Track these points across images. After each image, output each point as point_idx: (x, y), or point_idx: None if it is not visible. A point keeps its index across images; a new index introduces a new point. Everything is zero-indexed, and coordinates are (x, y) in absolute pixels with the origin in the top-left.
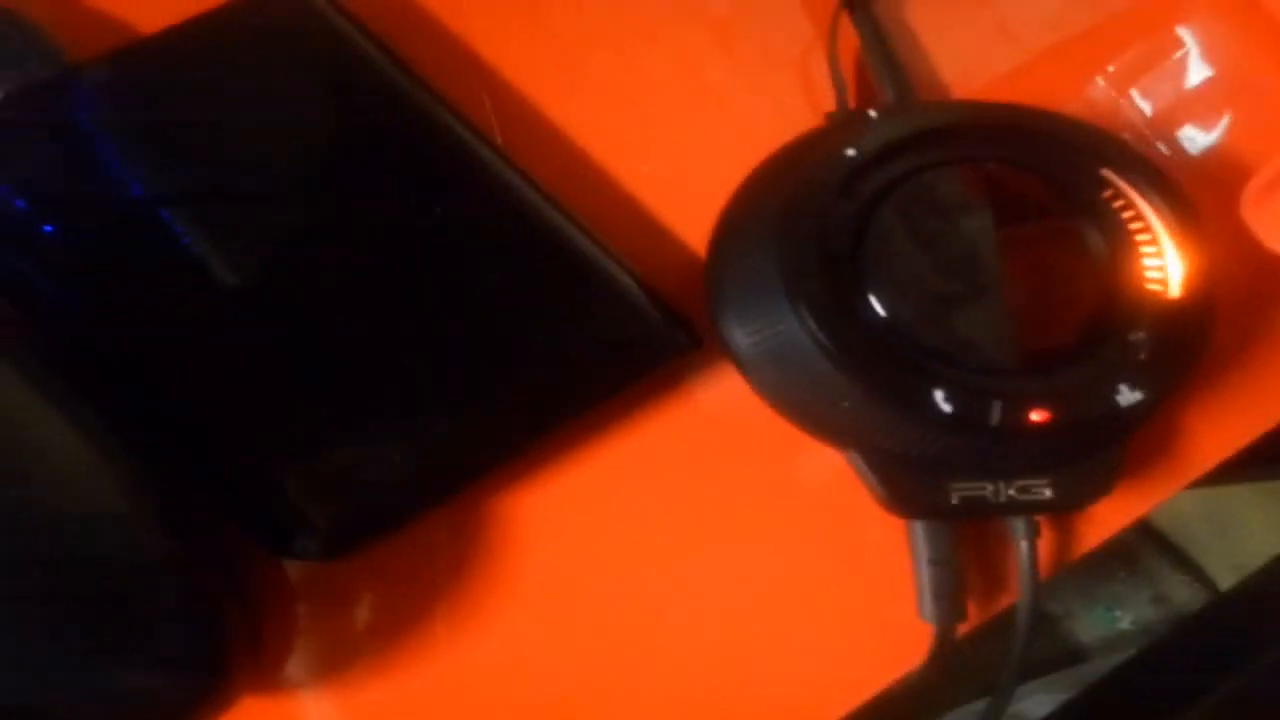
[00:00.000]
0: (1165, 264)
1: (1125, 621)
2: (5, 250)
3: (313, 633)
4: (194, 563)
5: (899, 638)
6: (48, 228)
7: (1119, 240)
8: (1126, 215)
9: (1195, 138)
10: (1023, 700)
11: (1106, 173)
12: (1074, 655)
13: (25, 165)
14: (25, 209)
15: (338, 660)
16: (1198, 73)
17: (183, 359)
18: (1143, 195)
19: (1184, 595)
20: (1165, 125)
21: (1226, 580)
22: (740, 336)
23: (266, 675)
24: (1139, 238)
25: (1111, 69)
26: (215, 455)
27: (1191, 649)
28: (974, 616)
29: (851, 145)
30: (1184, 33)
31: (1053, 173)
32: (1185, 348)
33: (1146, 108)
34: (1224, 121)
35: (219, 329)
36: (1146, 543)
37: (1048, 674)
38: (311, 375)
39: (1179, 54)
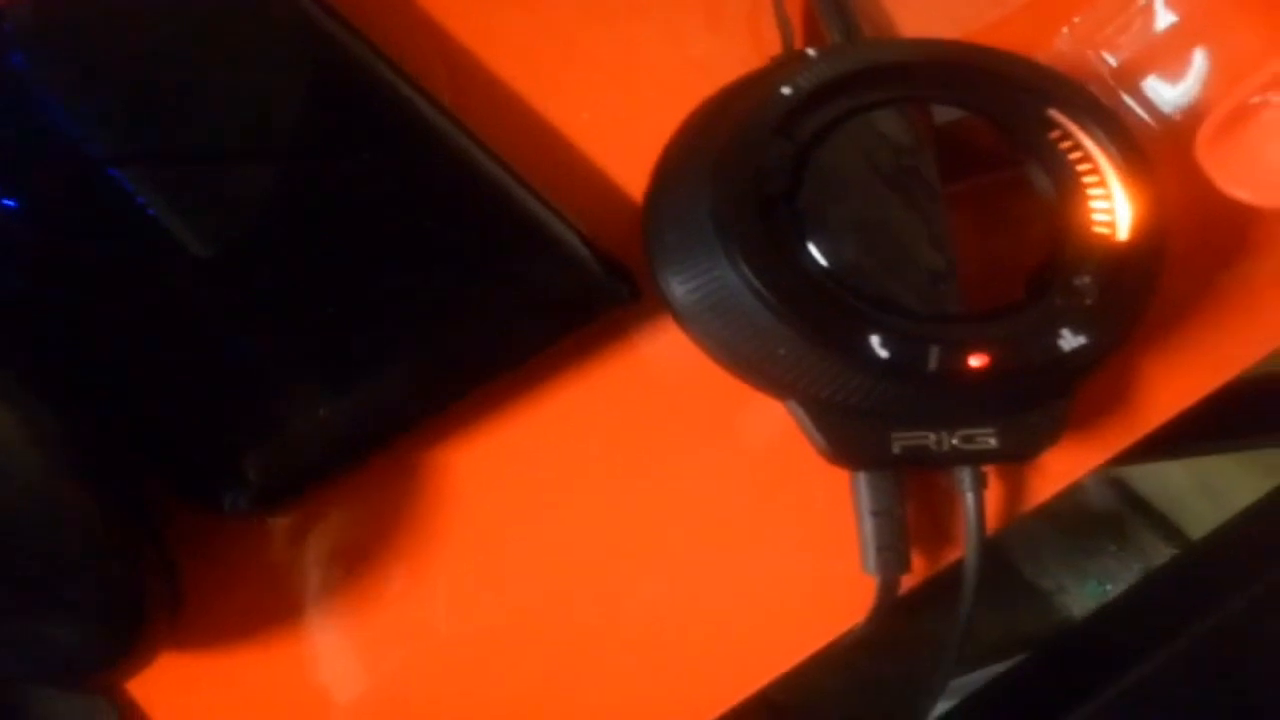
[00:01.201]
0: (1113, 207)
1: (1117, 593)
2: None
3: (242, 588)
4: (109, 516)
5: (843, 591)
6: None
7: (1065, 182)
8: (1073, 156)
9: (1161, 88)
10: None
11: (1053, 112)
12: (1067, 630)
13: None
14: None
15: (265, 617)
16: (1163, 21)
17: (111, 315)
18: (1090, 136)
19: None
20: (1131, 76)
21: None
22: (676, 285)
23: (190, 632)
24: (1086, 179)
25: (1077, 20)
26: (144, 411)
27: (1160, 598)
28: (920, 569)
29: (788, 83)
30: None
31: (997, 112)
32: (1133, 293)
33: (1112, 59)
34: (1189, 70)
35: (147, 285)
36: (1136, 515)
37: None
38: (242, 328)
39: (1143, 3)
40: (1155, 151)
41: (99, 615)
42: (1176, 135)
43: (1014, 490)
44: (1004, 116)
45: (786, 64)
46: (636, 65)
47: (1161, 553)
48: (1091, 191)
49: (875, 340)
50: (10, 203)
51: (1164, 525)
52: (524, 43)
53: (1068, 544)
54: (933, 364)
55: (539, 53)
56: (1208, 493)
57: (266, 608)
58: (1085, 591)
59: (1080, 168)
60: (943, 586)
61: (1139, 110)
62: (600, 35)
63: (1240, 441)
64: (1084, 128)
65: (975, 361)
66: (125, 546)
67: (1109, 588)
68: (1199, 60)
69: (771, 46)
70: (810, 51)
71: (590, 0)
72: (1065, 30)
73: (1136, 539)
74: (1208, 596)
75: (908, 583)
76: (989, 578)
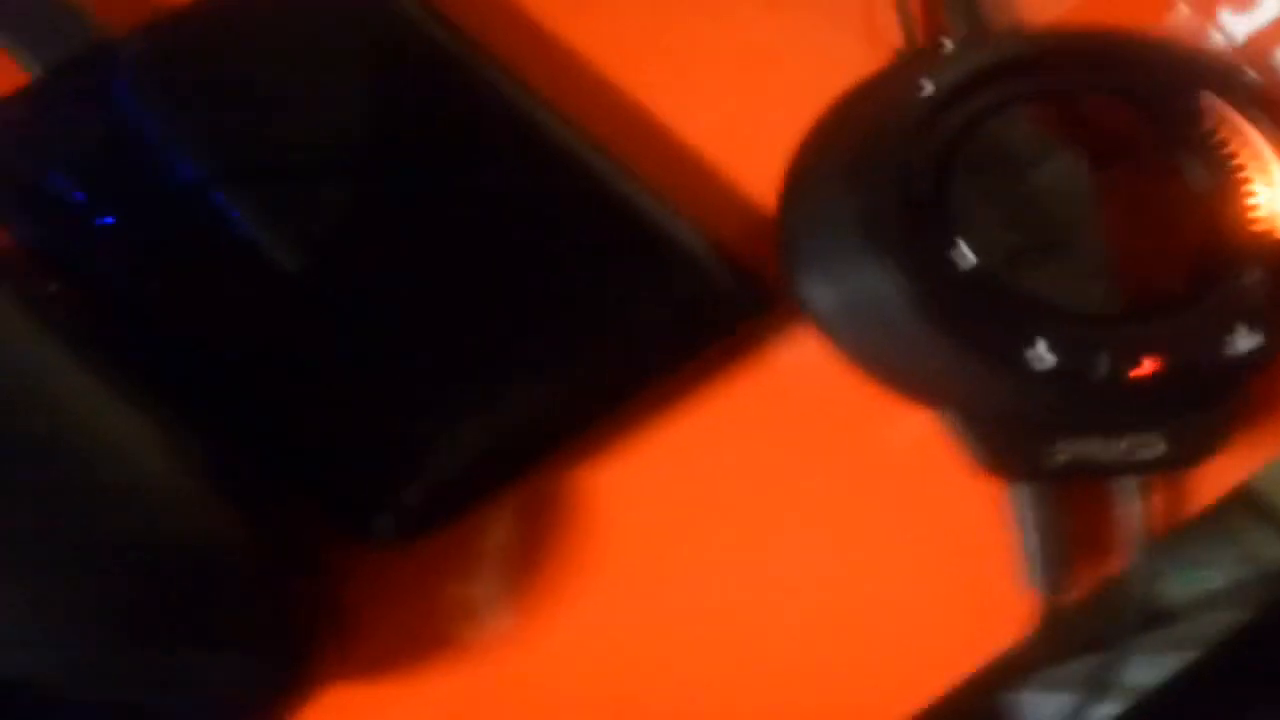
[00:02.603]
0: (1274, 200)
1: (1215, 580)
2: (69, 242)
3: (393, 616)
4: (270, 547)
5: (1001, 607)
6: (108, 219)
7: (1222, 173)
8: (1231, 145)
9: None
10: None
11: (1206, 98)
12: (1165, 616)
13: (74, 151)
14: (83, 200)
15: (418, 645)
16: None
17: (250, 341)
18: (1249, 121)
19: (1273, 551)
20: (1260, 50)
21: None
22: (819, 292)
23: (346, 662)
24: (1247, 169)
25: None
26: (290, 441)
27: None
28: (1083, 582)
29: (927, 80)
30: None
31: (1148, 102)
32: None
33: (1237, 32)
34: None
35: (284, 309)
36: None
37: (1139, 636)
38: (380, 352)
39: None
40: None
41: (262, 650)
42: None
43: (1177, 494)
44: (1155, 105)
45: (920, 59)
46: (756, 64)
47: (1256, 536)
48: (1252, 182)
49: (1040, 346)
50: (108, 219)
51: (1257, 506)
52: (641, 44)
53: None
54: (1102, 370)
55: (656, 54)
56: None
57: (418, 636)
58: (1182, 577)
59: (1240, 156)
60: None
61: (1271, 86)
62: (718, 34)
63: None
64: (1241, 112)
65: (1147, 366)
66: (285, 577)
67: (1206, 572)
68: None
69: (892, 42)
70: (947, 44)
71: (711, 5)
72: (1181, 4)
73: (1229, 522)
74: None
75: (1072, 596)
76: None
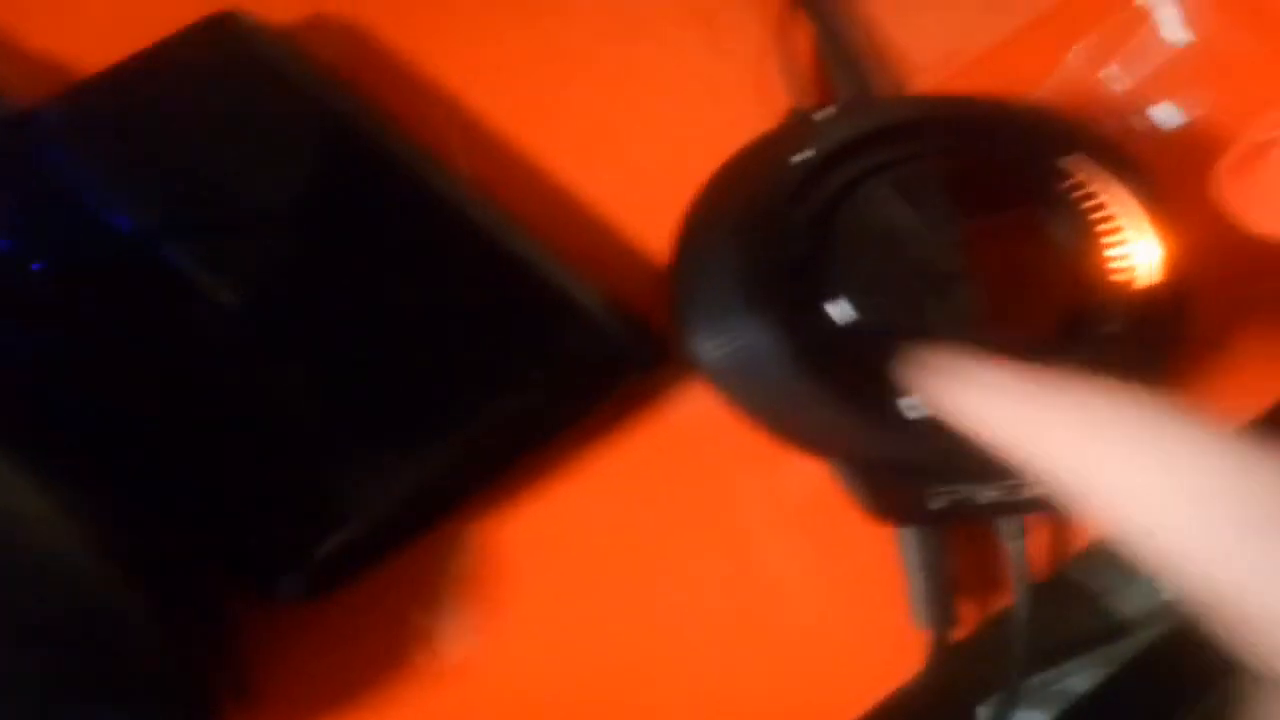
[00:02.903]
0: (1134, 253)
1: (1167, 594)
2: None
3: (300, 672)
4: (169, 612)
5: (894, 646)
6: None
7: (1084, 231)
8: (1090, 204)
9: (1171, 112)
10: (1069, 677)
11: (1066, 161)
12: (1117, 630)
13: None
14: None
15: (326, 699)
16: (1172, 44)
17: (158, 401)
18: (1106, 183)
19: None
20: (1140, 100)
21: None
22: (706, 349)
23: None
24: (1105, 227)
25: (1083, 44)
26: (193, 502)
27: None
28: (969, 619)
29: (801, 149)
30: (1157, 3)
31: (1011, 164)
32: (1161, 338)
33: (1120, 83)
34: (1201, 94)
35: (191, 370)
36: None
37: (1091, 650)
38: (282, 414)
39: (1152, 25)
40: (1168, 176)
41: (164, 712)
42: (1187, 159)
43: (1058, 533)
44: (1018, 168)
45: (797, 126)
46: (653, 122)
47: None
48: (1111, 239)
49: (908, 399)
50: (36, 266)
51: None
52: (536, 109)
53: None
54: None
55: (555, 116)
56: None
57: (326, 690)
58: (1134, 590)
59: (1098, 215)
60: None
61: (1148, 134)
62: (616, 97)
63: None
64: (1099, 175)
65: None
66: (186, 640)
67: (1158, 586)
68: (1209, 85)
69: (785, 99)
70: (816, 116)
71: (605, 64)
72: (1071, 55)
73: None
74: None
75: (958, 632)
76: None
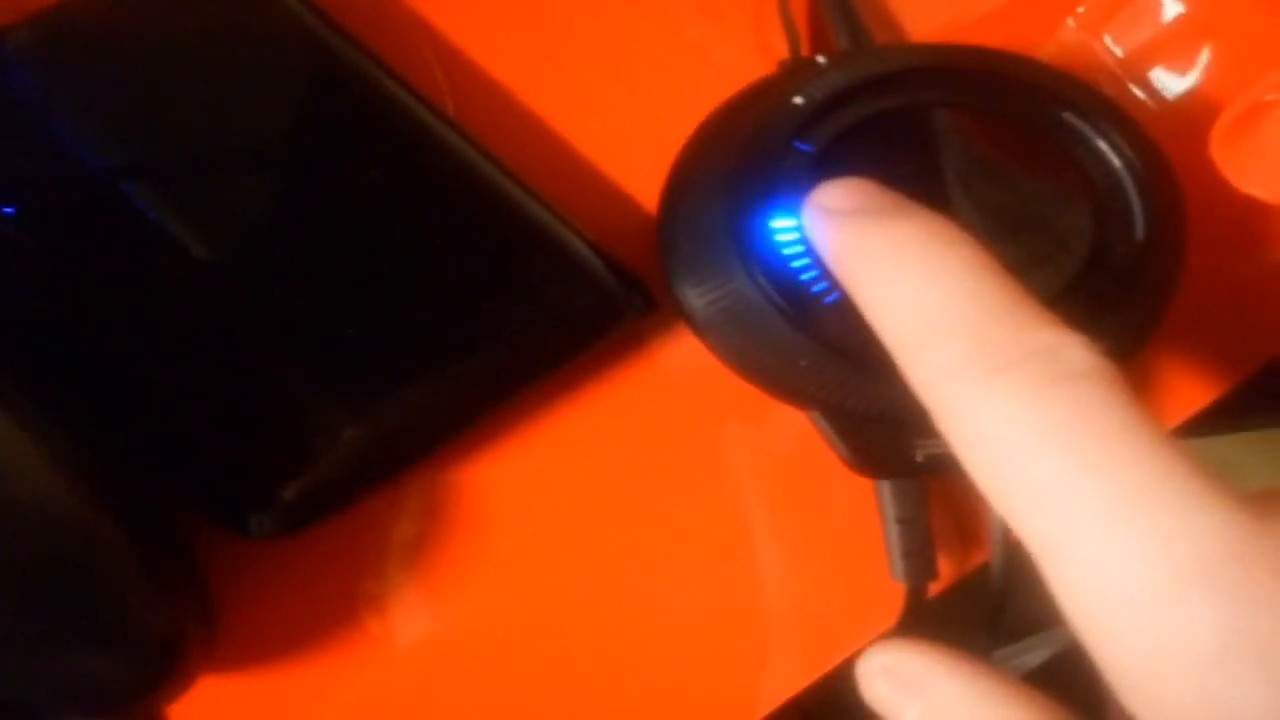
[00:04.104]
0: (1131, 210)
1: None
2: None
3: (273, 608)
4: (136, 541)
5: (872, 598)
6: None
7: (1081, 186)
8: (1089, 160)
9: (1170, 78)
10: (1026, 654)
11: (1068, 116)
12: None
13: None
14: None
15: (298, 636)
16: (1170, 10)
17: (121, 332)
18: (1105, 139)
19: None
20: (1139, 66)
21: None
22: (693, 298)
23: (226, 655)
24: (1103, 184)
25: (1082, 10)
26: (163, 435)
27: None
28: (947, 574)
29: (800, 93)
30: None
31: (1012, 117)
32: (1152, 296)
33: (1119, 49)
34: (1199, 60)
35: (157, 300)
36: None
37: (1052, 628)
38: (257, 348)
39: None
40: (1164, 142)
41: (132, 644)
42: (1185, 125)
43: None
44: (1019, 121)
45: (797, 72)
46: (643, 73)
47: None
48: (1108, 195)
49: None
50: (8, 210)
51: None
52: (528, 51)
53: None
54: None
55: (544, 61)
56: (1220, 471)
57: (298, 627)
58: None
59: (1096, 171)
60: (972, 588)
61: (1146, 100)
62: (607, 43)
63: (1254, 420)
64: (1099, 131)
65: None
66: (154, 572)
67: None
68: (1207, 50)
69: (778, 51)
70: (820, 59)
71: (597, 8)
72: (1070, 20)
73: None
74: None
75: (936, 587)
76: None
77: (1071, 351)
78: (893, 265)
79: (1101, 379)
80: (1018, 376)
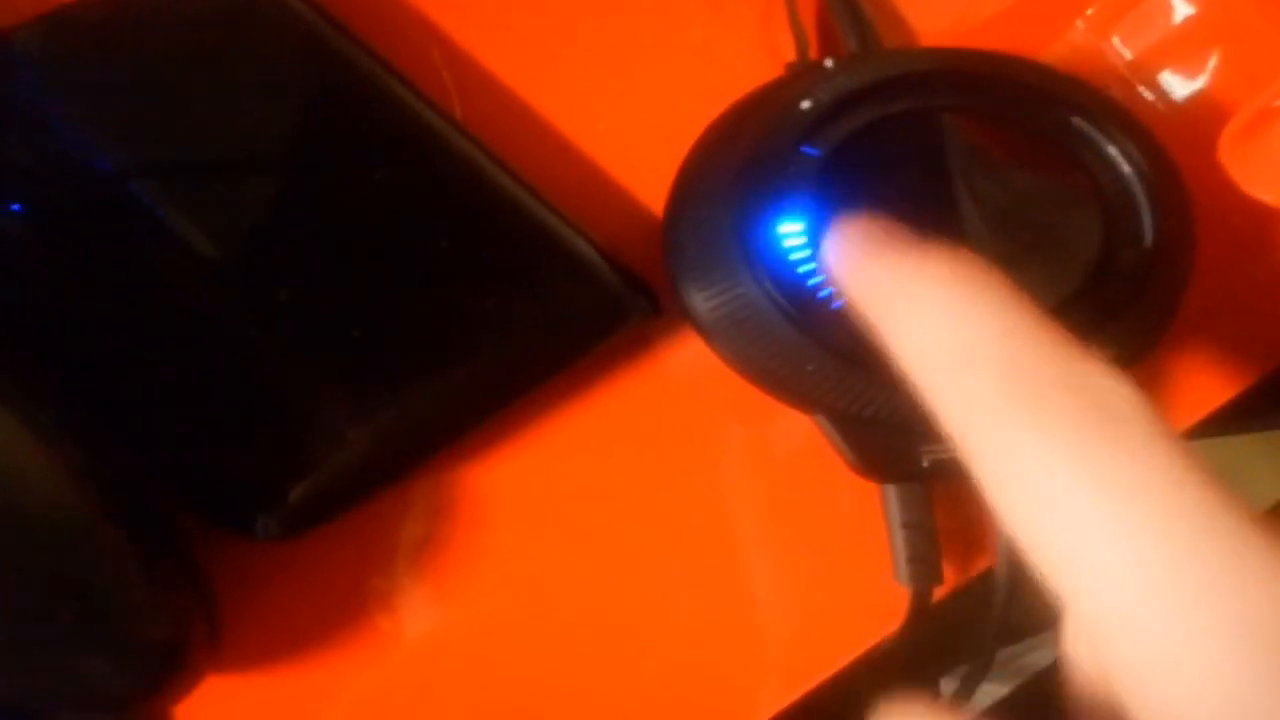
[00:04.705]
0: (1140, 215)
1: None
2: None
3: (279, 609)
4: (141, 542)
5: (876, 602)
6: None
7: (1090, 191)
8: (1097, 165)
9: (1179, 81)
10: (1032, 652)
11: (1076, 121)
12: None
13: None
14: None
15: (304, 637)
16: (1180, 12)
17: (137, 340)
18: (1114, 144)
19: None
20: (1148, 69)
21: None
22: (699, 301)
23: (231, 656)
24: (1111, 189)
25: (1091, 11)
26: (173, 438)
27: None
28: (951, 579)
29: (807, 97)
30: None
31: (1020, 122)
32: (1161, 300)
33: (1128, 51)
34: (1208, 63)
35: (170, 309)
36: None
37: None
38: (267, 352)
39: None
40: (1172, 145)
41: (137, 645)
42: (1193, 128)
43: None
44: (1026, 126)
45: (804, 75)
46: (650, 75)
47: None
48: (1117, 201)
49: None
50: (16, 208)
51: None
52: (536, 53)
53: None
54: None
55: (551, 64)
56: (1222, 471)
57: (304, 628)
58: None
59: (1104, 176)
60: (976, 592)
61: (1155, 102)
62: (614, 45)
63: (1257, 422)
64: (1108, 136)
65: None
66: (159, 573)
67: None
68: (1216, 53)
69: (786, 53)
70: (828, 62)
71: (604, 11)
72: (1079, 22)
73: None
74: None
75: (941, 591)
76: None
77: (1114, 391)
78: (926, 300)
79: (1144, 422)
80: (1057, 415)
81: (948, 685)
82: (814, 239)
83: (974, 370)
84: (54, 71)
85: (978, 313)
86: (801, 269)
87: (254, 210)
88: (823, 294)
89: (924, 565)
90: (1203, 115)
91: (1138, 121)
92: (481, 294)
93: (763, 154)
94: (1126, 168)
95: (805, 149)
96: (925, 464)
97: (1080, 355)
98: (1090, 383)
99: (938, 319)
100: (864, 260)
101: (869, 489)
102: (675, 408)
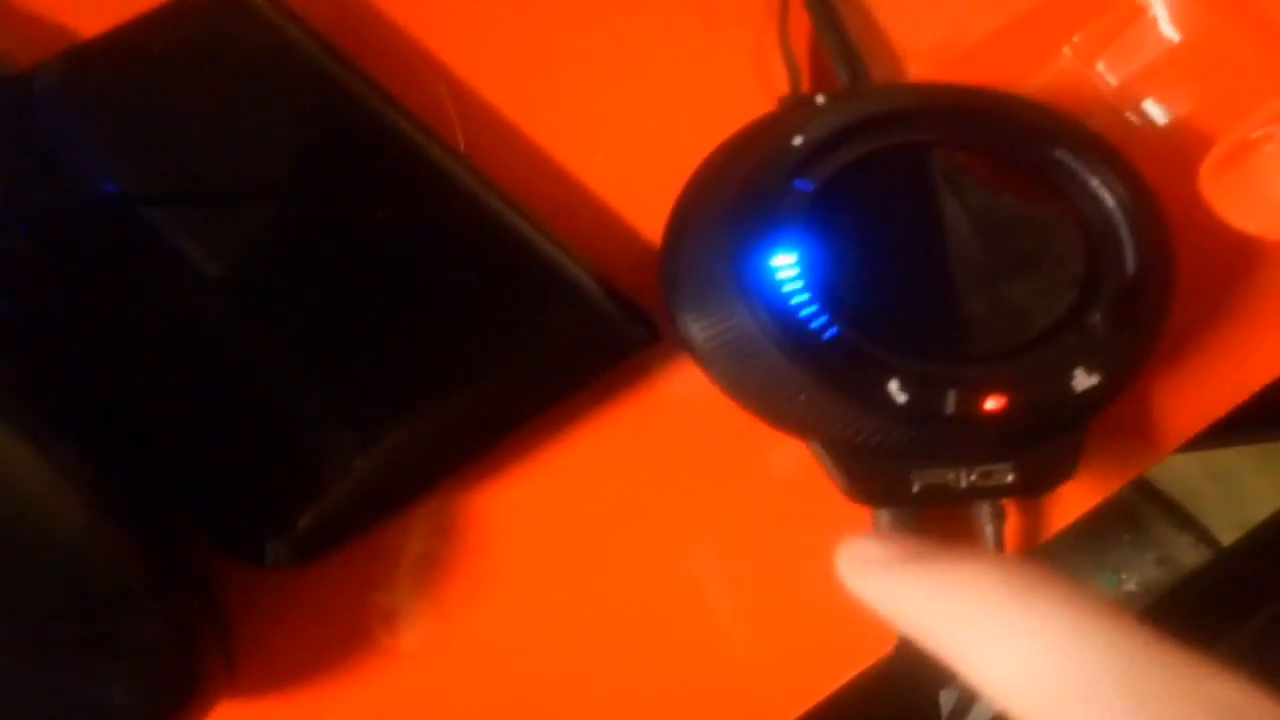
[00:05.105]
0: (1123, 245)
1: (1131, 584)
2: None
3: (289, 637)
4: (155, 571)
5: (871, 622)
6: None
7: (1075, 222)
8: (1081, 197)
9: (1162, 108)
10: None
11: (1060, 154)
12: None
13: None
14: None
15: (312, 665)
16: (1164, 40)
17: (146, 372)
18: (1097, 176)
19: (1189, 556)
20: (1132, 95)
21: (1231, 540)
22: (695, 330)
23: (242, 683)
24: (1094, 219)
25: (1077, 39)
26: (181, 467)
27: (1195, 604)
28: None
29: (799, 133)
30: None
31: (1006, 155)
32: (1143, 329)
33: (1113, 78)
34: (1191, 91)
35: (178, 340)
36: (1150, 505)
37: None
38: (274, 381)
39: (1144, 21)
40: (1156, 172)
41: (152, 674)
42: (1176, 153)
43: (1030, 520)
44: (1011, 159)
45: (796, 110)
46: (649, 108)
47: (1175, 541)
48: (1100, 230)
49: (893, 386)
50: (32, 236)
51: (1178, 514)
52: (537, 88)
53: (1082, 534)
54: (950, 407)
55: (552, 97)
56: (1221, 482)
57: (314, 654)
58: (1099, 581)
59: (1087, 207)
60: None
61: (1139, 129)
62: (613, 80)
63: (1254, 434)
64: (1090, 168)
65: (992, 404)
66: (174, 602)
67: (1123, 576)
68: (1200, 81)
69: (780, 85)
70: (819, 98)
71: (604, 46)
72: (1065, 49)
73: (1150, 528)
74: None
75: None
76: None
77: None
78: (997, 622)
79: None
80: None
81: (946, 699)
82: (806, 271)
83: (1100, 710)
84: (73, 109)
85: (1069, 637)
86: (794, 300)
87: (264, 241)
88: (814, 325)
89: None
90: (1185, 141)
91: (1119, 154)
92: (484, 324)
93: (756, 188)
94: (1109, 199)
95: (797, 183)
96: (915, 489)
97: (1206, 672)
98: (1235, 700)
99: (1025, 646)
100: (894, 581)
101: (862, 513)
102: (673, 433)
